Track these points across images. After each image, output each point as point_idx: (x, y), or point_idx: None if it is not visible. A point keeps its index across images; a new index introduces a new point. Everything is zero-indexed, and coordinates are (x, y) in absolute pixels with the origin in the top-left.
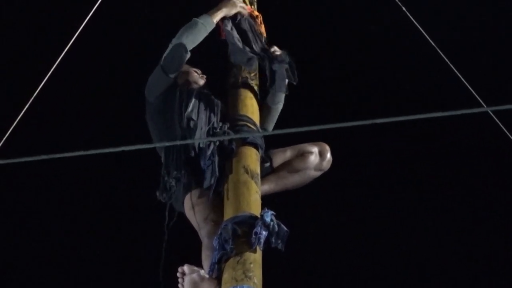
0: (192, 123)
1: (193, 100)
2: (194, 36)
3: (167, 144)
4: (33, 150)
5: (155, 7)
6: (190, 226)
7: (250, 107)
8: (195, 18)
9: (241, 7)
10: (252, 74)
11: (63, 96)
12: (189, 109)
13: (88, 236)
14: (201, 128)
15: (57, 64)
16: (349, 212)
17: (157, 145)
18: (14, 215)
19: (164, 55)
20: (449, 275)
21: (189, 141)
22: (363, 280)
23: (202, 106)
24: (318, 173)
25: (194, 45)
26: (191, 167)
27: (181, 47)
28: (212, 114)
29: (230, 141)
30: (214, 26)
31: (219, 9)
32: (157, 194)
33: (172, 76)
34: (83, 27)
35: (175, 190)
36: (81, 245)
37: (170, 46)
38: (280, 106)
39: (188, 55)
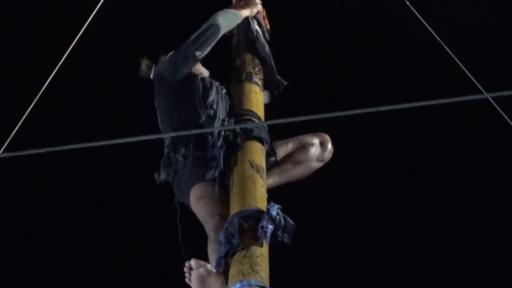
0: (212, 112)
1: (214, 89)
2: (227, 22)
3: (185, 133)
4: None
5: (157, 6)
6: (195, 219)
7: (255, 101)
8: (228, 9)
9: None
10: (257, 69)
11: (68, 93)
12: (211, 98)
13: (92, 232)
14: (219, 119)
15: (63, 62)
16: (354, 204)
17: (168, 135)
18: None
19: (195, 34)
20: (453, 269)
21: (203, 130)
22: (369, 272)
23: (220, 98)
24: (320, 164)
25: (226, 31)
26: (201, 157)
27: (217, 28)
28: (226, 107)
29: (236, 135)
30: (241, 20)
31: (244, 8)
32: (155, 176)
33: (200, 55)
34: (87, 24)
35: (181, 173)
36: (82, 241)
37: (203, 27)
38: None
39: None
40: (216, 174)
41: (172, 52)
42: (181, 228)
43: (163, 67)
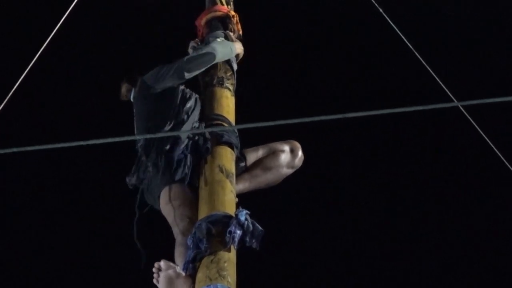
0: (185, 117)
1: (193, 99)
2: (223, 55)
3: (158, 135)
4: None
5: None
6: (164, 221)
7: (226, 106)
8: (227, 41)
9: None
10: (228, 74)
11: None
12: (188, 105)
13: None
14: (192, 124)
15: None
16: (323, 210)
17: (139, 137)
18: None
19: (191, 56)
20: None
21: (175, 133)
22: (338, 279)
23: (197, 107)
24: (290, 171)
25: (219, 61)
26: (171, 160)
27: (212, 58)
28: (198, 113)
29: (205, 140)
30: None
31: (237, 43)
32: (127, 180)
33: (188, 77)
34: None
35: (151, 179)
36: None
37: (200, 51)
38: None
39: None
40: (184, 174)
41: (160, 66)
42: (137, 231)
43: (149, 75)
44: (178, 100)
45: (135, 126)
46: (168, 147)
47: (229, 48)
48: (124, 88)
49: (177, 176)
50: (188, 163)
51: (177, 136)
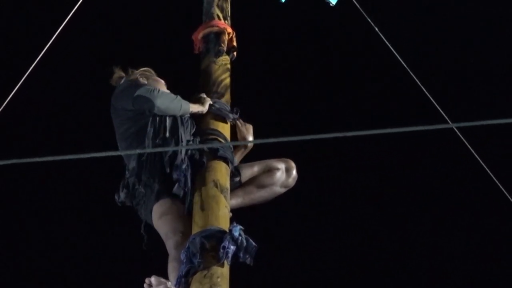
0: (169, 136)
1: (168, 121)
2: (168, 109)
3: (147, 151)
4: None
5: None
6: (157, 236)
7: (221, 121)
8: (181, 99)
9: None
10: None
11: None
12: (168, 132)
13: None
14: (181, 141)
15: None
16: (316, 227)
17: (127, 152)
18: None
19: (143, 94)
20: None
21: (167, 148)
22: None
23: (179, 123)
24: (283, 190)
25: (162, 114)
26: (163, 176)
27: (152, 106)
28: (190, 129)
29: (201, 154)
30: (187, 113)
31: (196, 105)
32: (116, 197)
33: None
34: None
35: (143, 197)
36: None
37: (151, 93)
38: None
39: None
40: (182, 193)
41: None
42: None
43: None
44: (156, 122)
45: (116, 133)
46: (159, 165)
47: (178, 104)
48: (117, 74)
49: (176, 191)
50: (188, 183)
51: (173, 155)
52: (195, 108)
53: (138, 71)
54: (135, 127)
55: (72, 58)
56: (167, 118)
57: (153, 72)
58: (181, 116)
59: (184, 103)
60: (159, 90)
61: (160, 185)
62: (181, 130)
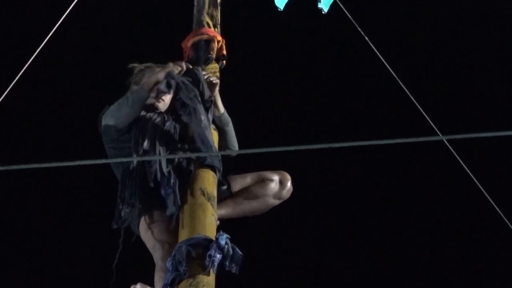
0: (148, 150)
1: (148, 133)
2: (118, 118)
3: (136, 159)
4: None
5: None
6: (144, 247)
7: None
8: (129, 97)
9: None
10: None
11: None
12: (145, 144)
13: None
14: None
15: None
16: (304, 236)
17: (118, 160)
18: None
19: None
20: None
21: (152, 157)
22: None
23: (157, 137)
24: (277, 202)
25: (122, 125)
26: (147, 190)
27: (101, 129)
28: (175, 136)
29: (189, 162)
30: (145, 95)
31: (149, 77)
32: (112, 223)
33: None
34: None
35: (129, 217)
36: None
37: (101, 116)
38: (231, 126)
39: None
40: (175, 210)
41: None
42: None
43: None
44: (134, 142)
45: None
46: (149, 185)
47: (126, 108)
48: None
49: (168, 212)
50: (178, 199)
51: (157, 167)
52: (151, 81)
53: (135, 72)
54: (123, 146)
55: (57, 68)
56: (147, 129)
57: (153, 64)
58: (161, 127)
59: (135, 98)
60: (109, 107)
61: (144, 201)
62: (158, 142)
